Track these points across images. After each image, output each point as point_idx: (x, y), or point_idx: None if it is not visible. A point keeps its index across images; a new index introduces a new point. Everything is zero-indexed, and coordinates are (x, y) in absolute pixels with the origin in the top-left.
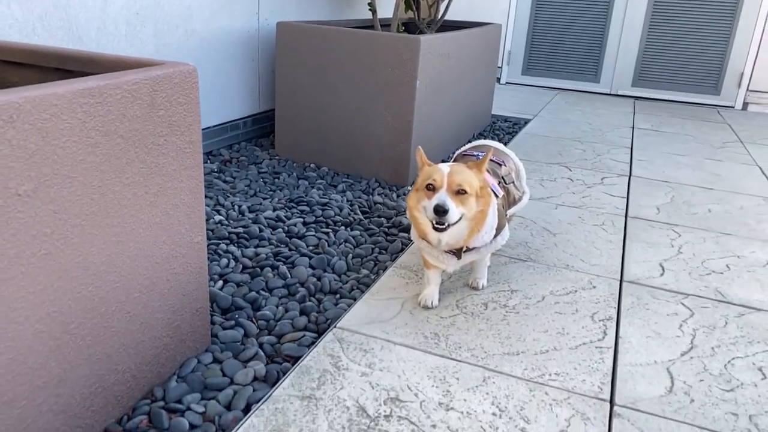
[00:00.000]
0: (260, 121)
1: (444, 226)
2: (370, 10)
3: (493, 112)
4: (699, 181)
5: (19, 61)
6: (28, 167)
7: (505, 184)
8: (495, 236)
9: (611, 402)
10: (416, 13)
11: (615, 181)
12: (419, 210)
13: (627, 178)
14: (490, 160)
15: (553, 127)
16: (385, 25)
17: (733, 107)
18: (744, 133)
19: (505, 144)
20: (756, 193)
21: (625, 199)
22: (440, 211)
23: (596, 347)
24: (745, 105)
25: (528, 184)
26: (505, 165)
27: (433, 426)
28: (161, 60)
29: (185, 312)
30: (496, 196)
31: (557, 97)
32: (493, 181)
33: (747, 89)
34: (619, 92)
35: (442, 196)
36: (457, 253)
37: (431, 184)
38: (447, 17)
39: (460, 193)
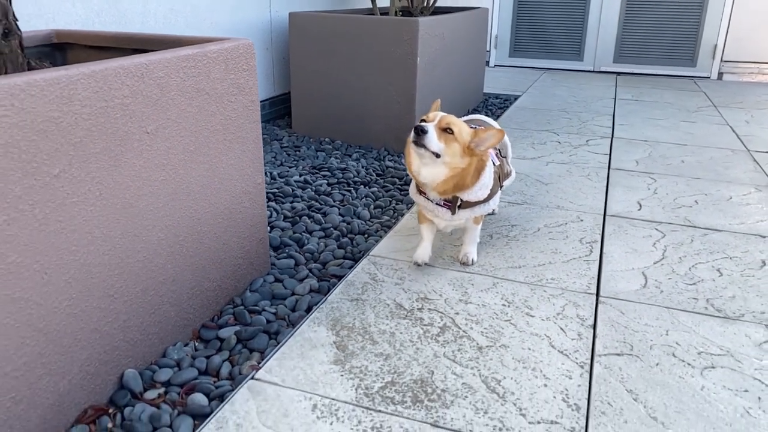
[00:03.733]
0: (276, 104)
1: (421, 141)
2: None
3: (484, 91)
4: (674, 139)
5: (104, 45)
6: (152, 112)
7: (501, 155)
8: (489, 198)
9: (597, 294)
10: (410, 1)
11: (599, 142)
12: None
13: (609, 140)
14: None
15: (541, 101)
16: (384, 13)
17: (709, 77)
18: (718, 99)
19: (498, 117)
20: (725, 146)
21: (608, 156)
22: (419, 130)
23: (584, 260)
24: (720, 75)
25: (520, 147)
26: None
27: (456, 314)
28: (218, 36)
29: (252, 239)
30: (494, 164)
31: (544, 75)
32: (492, 151)
33: (721, 60)
34: (602, 69)
35: (429, 124)
36: (452, 207)
37: (423, 119)
38: (437, 3)
39: (446, 131)
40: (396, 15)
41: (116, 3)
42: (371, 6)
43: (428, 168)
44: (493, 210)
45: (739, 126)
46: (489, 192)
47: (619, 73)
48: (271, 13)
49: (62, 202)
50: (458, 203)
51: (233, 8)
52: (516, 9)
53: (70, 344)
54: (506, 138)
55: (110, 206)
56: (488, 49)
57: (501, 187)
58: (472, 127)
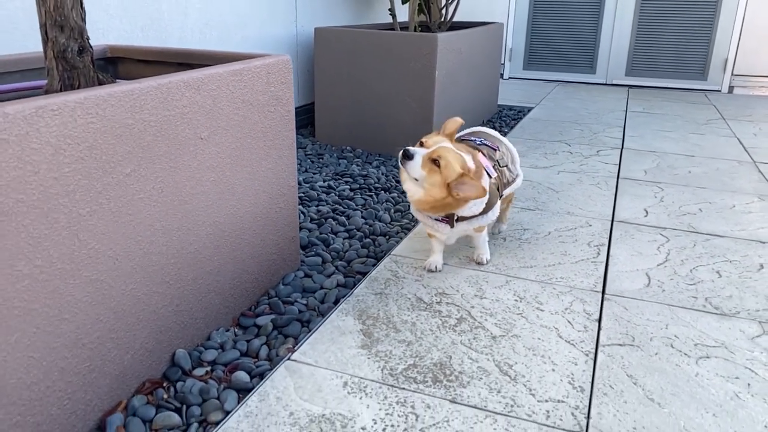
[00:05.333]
0: (300, 114)
1: (404, 164)
2: (390, 14)
3: (499, 103)
4: (683, 151)
5: (151, 59)
6: (206, 120)
7: (500, 166)
8: (486, 211)
9: (603, 292)
10: (428, 16)
11: (609, 153)
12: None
13: (619, 150)
14: (486, 145)
15: (554, 113)
16: (403, 28)
17: (720, 91)
18: (727, 112)
19: (511, 128)
20: (732, 158)
21: (617, 166)
22: (406, 153)
23: (592, 262)
24: (731, 89)
25: (533, 157)
26: (499, 150)
27: (472, 307)
28: (258, 53)
29: (285, 238)
30: (490, 176)
31: (557, 88)
32: (488, 164)
33: (732, 74)
34: (614, 82)
35: (419, 149)
36: (450, 221)
37: (422, 142)
38: (454, 18)
39: (434, 162)
40: (415, 30)
41: (158, 20)
42: (392, 21)
43: (408, 184)
44: (500, 228)
45: (746, 138)
46: (484, 206)
47: (630, 86)
48: (296, 28)
49: (132, 198)
50: (455, 218)
51: (262, 23)
52: (530, 23)
53: (133, 323)
54: (511, 145)
55: (169, 203)
56: (503, 62)
57: (501, 196)
58: (473, 140)
